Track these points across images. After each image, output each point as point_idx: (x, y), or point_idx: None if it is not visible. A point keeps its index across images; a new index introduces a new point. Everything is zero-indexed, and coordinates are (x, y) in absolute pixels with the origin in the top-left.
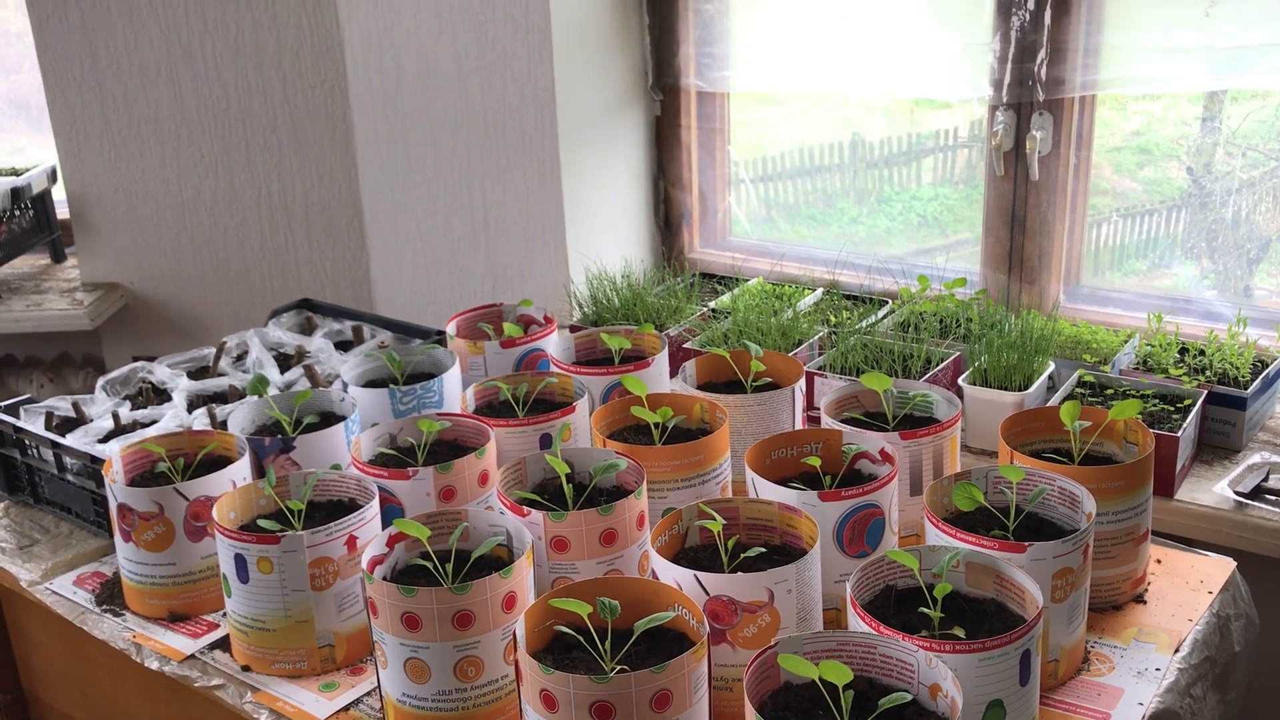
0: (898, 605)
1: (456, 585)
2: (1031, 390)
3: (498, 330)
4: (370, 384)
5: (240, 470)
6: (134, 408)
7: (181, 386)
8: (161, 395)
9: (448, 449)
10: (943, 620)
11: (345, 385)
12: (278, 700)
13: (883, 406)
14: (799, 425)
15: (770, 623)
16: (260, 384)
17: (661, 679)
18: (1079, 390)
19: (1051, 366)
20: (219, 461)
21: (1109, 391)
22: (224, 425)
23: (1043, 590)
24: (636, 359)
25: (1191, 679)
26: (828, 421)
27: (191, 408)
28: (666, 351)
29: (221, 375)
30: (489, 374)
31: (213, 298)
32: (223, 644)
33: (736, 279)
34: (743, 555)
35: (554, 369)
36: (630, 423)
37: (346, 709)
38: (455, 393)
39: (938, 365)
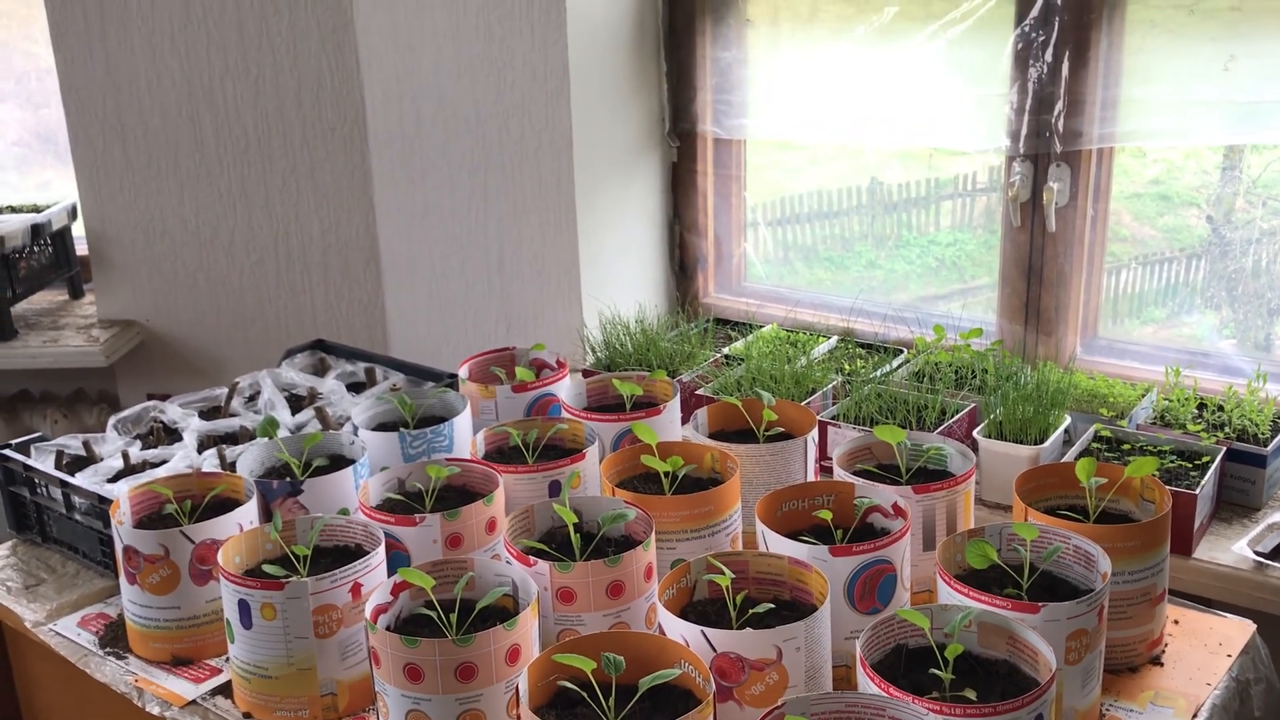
0: (908, 665)
1: (460, 637)
2: (1047, 444)
3: (510, 374)
4: (381, 427)
5: (247, 513)
6: (144, 447)
7: (192, 426)
8: (172, 435)
9: (456, 495)
10: (954, 682)
11: (355, 428)
12: None
13: (896, 459)
14: (811, 476)
15: (778, 681)
16: (270, 426)
17: None
18: (1095, 445)
19: (1068, 420)
20: (227, 504)
21: (1126, 447)
22: (233, 466)
23: (1056, 652)
24: (648, 405)
25: None
26: (840, 473)
27: (202, 448)
28: (678, 398)
29: (233, 416)
30: (500, 418)
31: (228, 336)
32: (225, 689)
33: (751, 325)
34: (751, 611)
35: (565, 414)
36: (640, 471)
37: None
38: (466, 437)
39: (952, 417)
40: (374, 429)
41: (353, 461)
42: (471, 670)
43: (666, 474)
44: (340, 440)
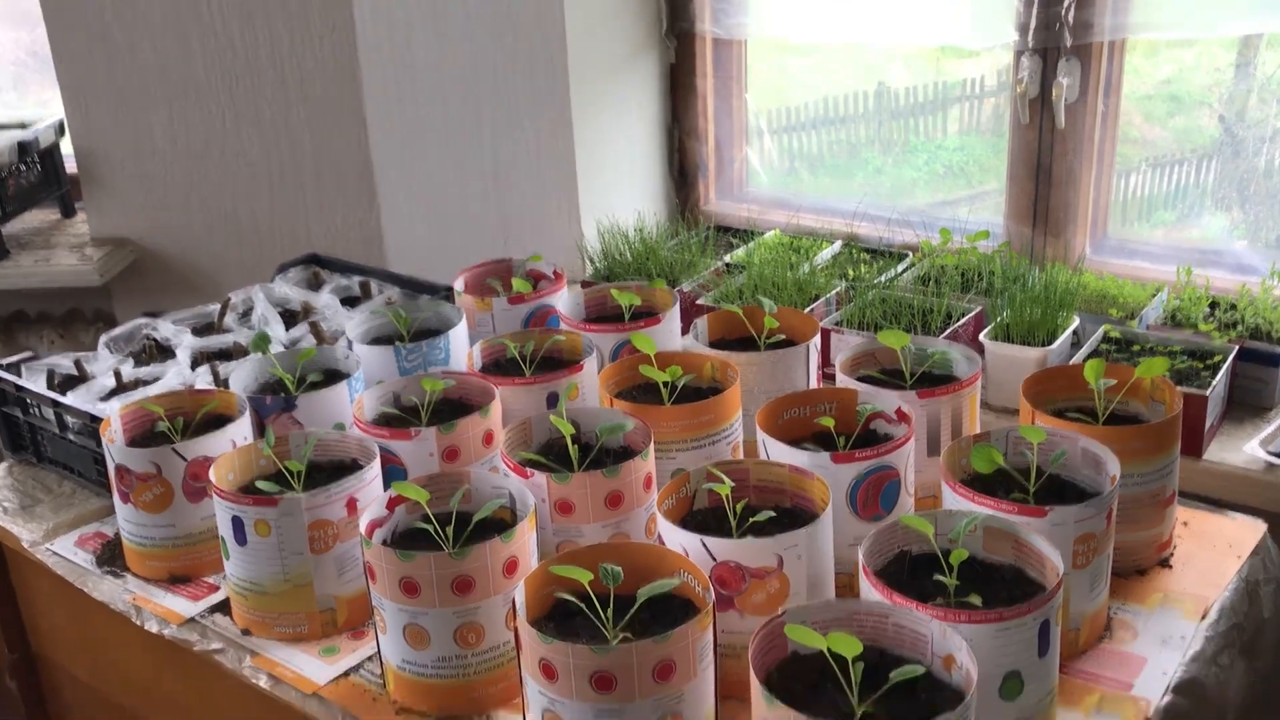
0: (912, 572)
1: (456, 550)
2: (1055, 346)
3: (506, 286)
4: (376, 341)
5: (240, 430)
6: (137, 364)
7: (185, 343)
8: (165, 352)
9: (452, 408)
10: (959, 588)
11: (350, 343)
12: (277, 665)
13: (900, 364)
14: (813, 383)
15: (779, 589)
16: (262, 341)
17: (664, 649)
18: (1104, 346)
19: (1076, 322)
20: (220, 421)
21: (1136, 348)
22: (227, 383)
23: (1064, 556)
24: (647, 315)
25: (1219, 646)
26: (843, 380)
27: (195, 365)
28: (678, 308)
29: (226, 332)
30: (497, 331)
31: (223, 253)
32: (223, 607)
33: (752, 232)
34: (751, 520)
35: (563, 326)
36: (639, 381)
37: (346, 674)
38: (462, 350)
39: (958, 321)
40: (369, 343)
41: (347, 376)
42: (468, 584)
43: (665, 384)
44: (334, 355)
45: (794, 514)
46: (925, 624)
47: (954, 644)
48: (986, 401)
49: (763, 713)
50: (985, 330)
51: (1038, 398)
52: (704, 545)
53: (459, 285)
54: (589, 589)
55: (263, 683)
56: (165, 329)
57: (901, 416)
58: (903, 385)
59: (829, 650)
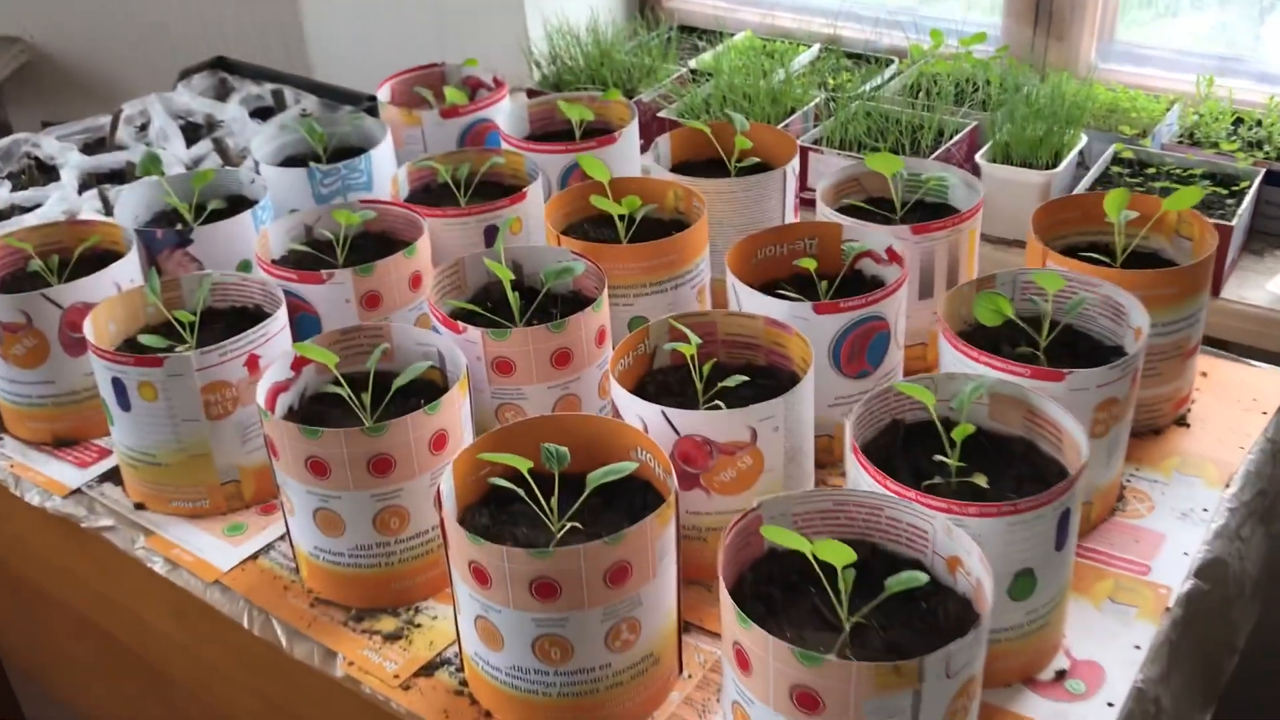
0: (906, 444)
1: (371, 426)
2: (1060, 169)
3: (439, 96)
4: (289, 161)
5: (126, 270)
6: (15, 188)
7: (72, 163)
8: (49, 173)
9: (374, 244)
10: (960, 467)
11: (256, 164)
12: (173, 547)
13: (890, 192)
14: (790, 215)
15: (752, 465)
16: (153, 163)
17: (618, 550)
18: (1115, 170)
19: (1084, 141)
20: (105, 258)
21: (1150, 170)
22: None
23: (1082, 425)
24: (601, 133)
25: (1241, 518)
26: (824, 211)
27: (83, 188)
28: (636, 123)
29: (120, 149)
30: (428, 149)
31: (126, 56)
32: (115, 475)
33: (721, 34)
34: (721, 385)
35: (503, 145)
36: (592, 214)
37: (254, 557)
38: (387, 173)
39: (951, 139)
40: (279, 164)
41: (253, 203)
42: (388, 463)
43: (621, 217)
44: (238, 179)
45: (769, 374)
46: (927, 519)
47: (961, 545)
48: (983, 232)
49: (733, 630)
50: (982, 150)
51: (1047, 232)
52: (665, 417)
53: (383, 95)
54: (528, 475)
55: (158, 567)
56: (49, 145)
57: (893, 256)
58: (892, 217)
59: (814, 555)
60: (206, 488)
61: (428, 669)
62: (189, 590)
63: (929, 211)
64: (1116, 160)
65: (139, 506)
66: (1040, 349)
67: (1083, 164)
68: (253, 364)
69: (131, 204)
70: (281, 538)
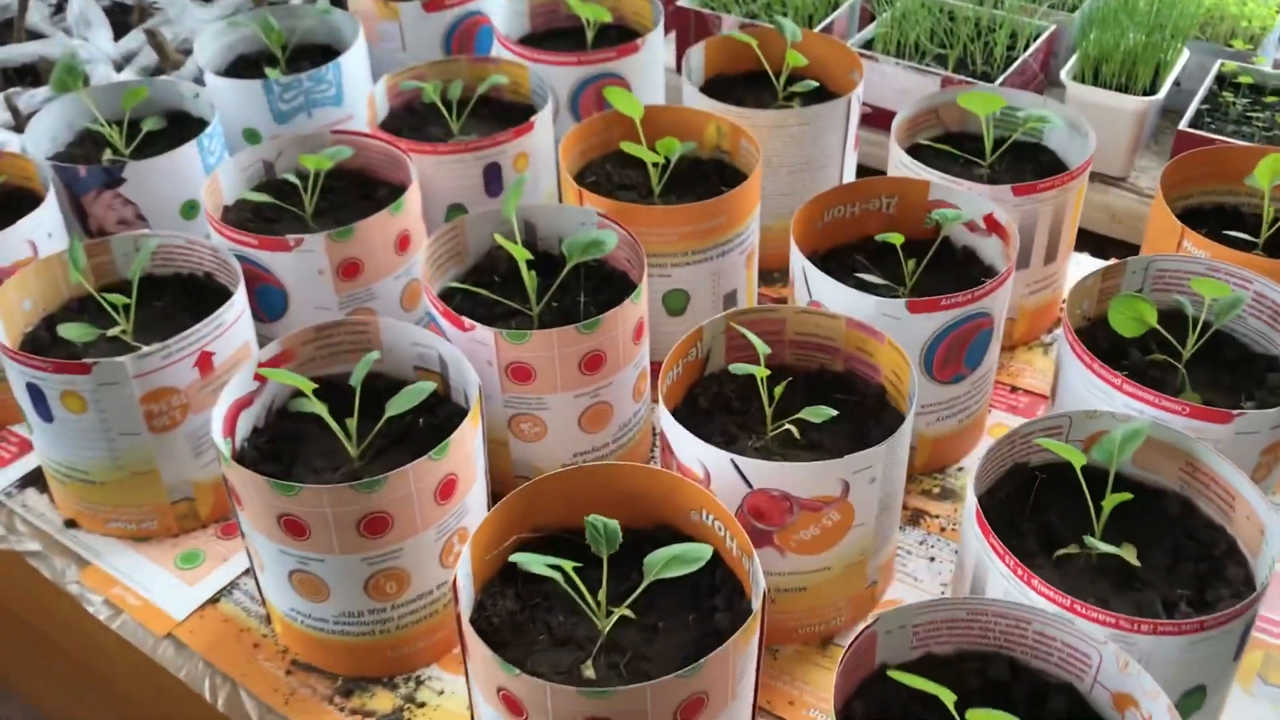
0: (1037, 505)
1: (364, 483)
2: (1160, 95)
3: None
4: (239, 65)
5: (44, 220)
6: None
7: None
8: None
9: (350, 185)
10: (1107, 529)
11: (201, 72)
12: (114, 584)
13: (969, 124)
14: (850, 152)
15: (840, 521)
16: (69, 76)
17: (693, 684)
18: (1225, 96)
19: (1186, 55)
20: (15, 203)
21: (1271, 99)
22: (26, 127)
23: (1244, 468)
24: (620, 37)
25: None
26: (899, 157)
27: None
28: (662, 26)
29: (34, 38)
30: (407, 49)
31: None
32: (40, 479)
33: None
34: (796, 416)
35: (498, 50)
36: (611, 151)
37: (215, 600)
38: (360, 81)
39: (1027, 46)
40: (227, 69)
41: (199, 125)
42: (383, 523)
43: (656, 165)
44: (179, 92)
45: (847, 384)
46: (1092, 644)
47: (1141, 686)
48: None
49: None
50: (1068, 66)
51: (1171, 193)
52: (736, 468)
53: None
54: (566, 570)
55: (97, 611)
56: None
57: (993, 226)
58: (979, 165)
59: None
60: (153, 508)
61: None
62: (136, 646)
63: (1021, 156)
64: (1221, 81)
65: (70, 524)
66: (1183, 361)
67: (1177, 84)
68: (205, 363)
69: (47, 127)
70: (247, 572)
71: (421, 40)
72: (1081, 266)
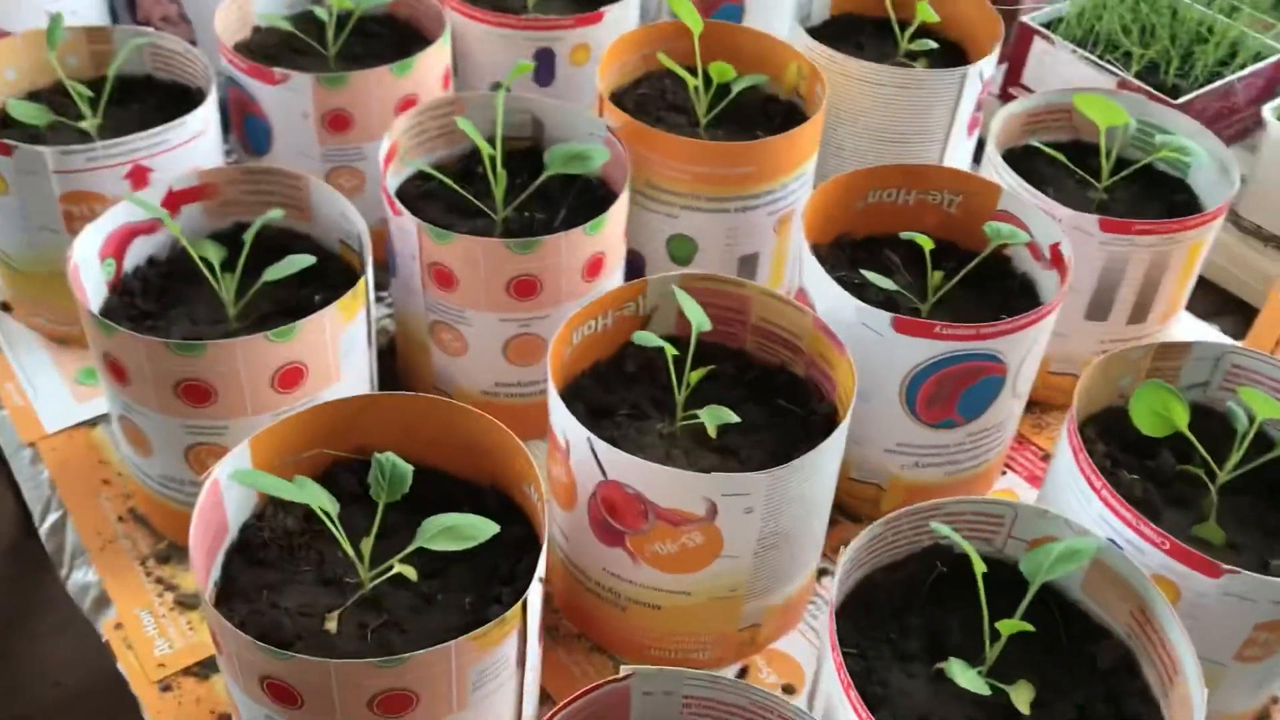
0: (933, 598)
1: (181, 343)
2: None
3: None
4: None
5: None
6: None
7: None
8: None
9: (395, 36)
10: (1003, 658)
11: None
12: (10, 378)
13: (1103, 137)
14: (962, 136)
15: (703, 545)
16: None
17: (395, 677)
18: None
19: None
20: None
21: None
22: None
23: (1229, 644)
24: None
25: None
26: (992, 156)
27: None
28: None
29: None
30: None
31: None
32: None
33: None
34: (707, 407)
35: None
36: (683, 61)
37: (92, 424)
38: None
39: (1246, 67)
40: None
41: None
42: (204, 393)
43: (698, 90)
44: None
45: (803, 395)
46: None
47: None
48: (1241, 217)
49: None
50: (1276, 102)
51: None
52: (591, 449)
53: None
54: (327, 517)
55: None
56: None
57: (1056, 259)
58: (1094, 187)
59: None
60: (70, 311)
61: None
62: None
63: (1155, 187)
64: None
65: (4, 308)
66: (1217, 483)
67: None
68: (139, 178)
69: None
70: None
71: None
72: (1190, 332)
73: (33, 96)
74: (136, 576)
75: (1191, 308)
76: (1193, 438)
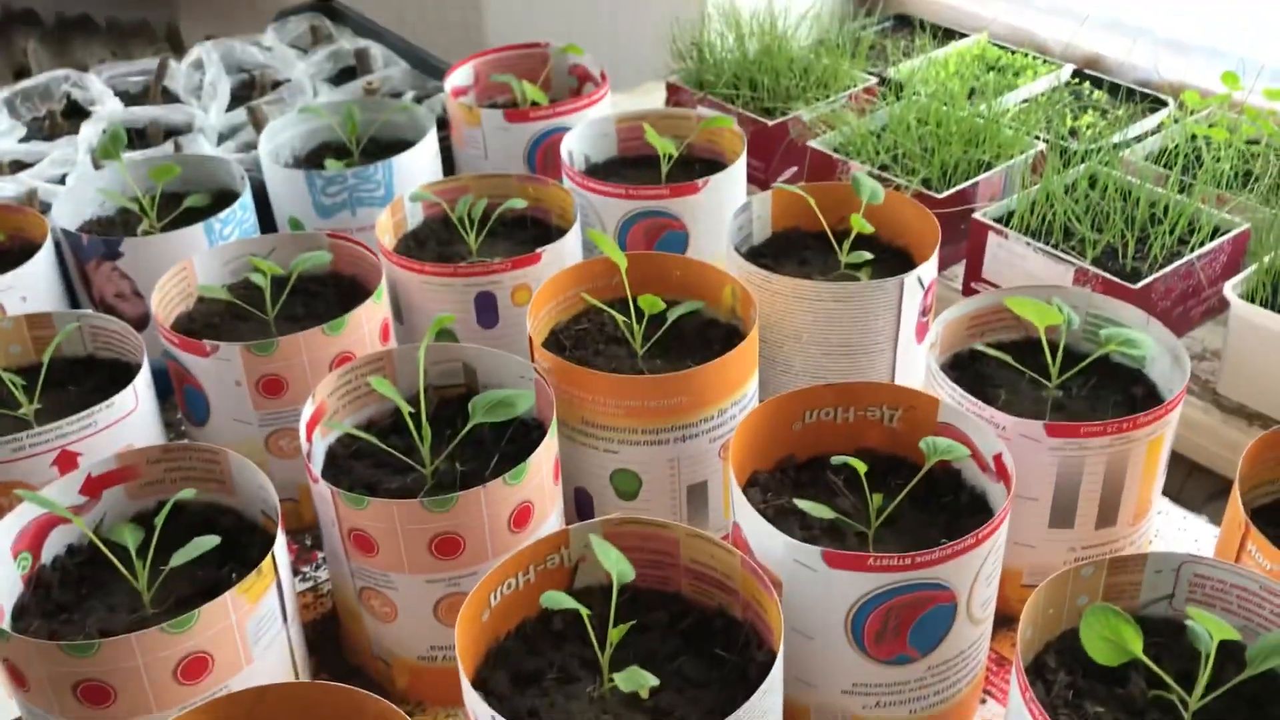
0: None
1: (72, 645)
2: None
3: (545, 86)
4: (320, 151)
5: (25, 282)
6: (34, 135)
7: (104, 112)
8: (86, 118)
9: (338, 293)
10: None
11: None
12: None
13: (1044, 337)
14: (910, 339)
15: None
16: (113, 145)
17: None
18: None
19: None
20: (26, 257)
21: None
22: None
23: None
24: (712, 163)
25: None
26: (932, 367)
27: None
28: (743, 164)
29: (171, 101)
30: (488, 158)
31: None
32: None
33: (952, 33)
34: (624, 673)
35: (565, 174)
36: (621, 294)
37: None
38: (421, 177)
39: (1204, 242)
40: (308, 154)
41: (234, 197)
42: (104, 694)
43: (628, 323)
44: (229, 171)
45: (740, 637)
46: None
47: None
48: (1218, 398)
49: None
50: (1236, 278)
51: (1251, 480)
52: None
53: (460, 78)
54: None
55: None
56: (94, 86)
57: (1001, 471)
58: (1045, 386)
59: None
60: None
61: None
62: None
63: (1112, 381)
64: None
65: None
66: (1189, 714)
67: None
68: (68, 463)
69: (77, 196)
70: None
71: (502, 150)
72: (1172, 530)
73: None
74: None
75: (1188, 496)
76: (1152, 665)
